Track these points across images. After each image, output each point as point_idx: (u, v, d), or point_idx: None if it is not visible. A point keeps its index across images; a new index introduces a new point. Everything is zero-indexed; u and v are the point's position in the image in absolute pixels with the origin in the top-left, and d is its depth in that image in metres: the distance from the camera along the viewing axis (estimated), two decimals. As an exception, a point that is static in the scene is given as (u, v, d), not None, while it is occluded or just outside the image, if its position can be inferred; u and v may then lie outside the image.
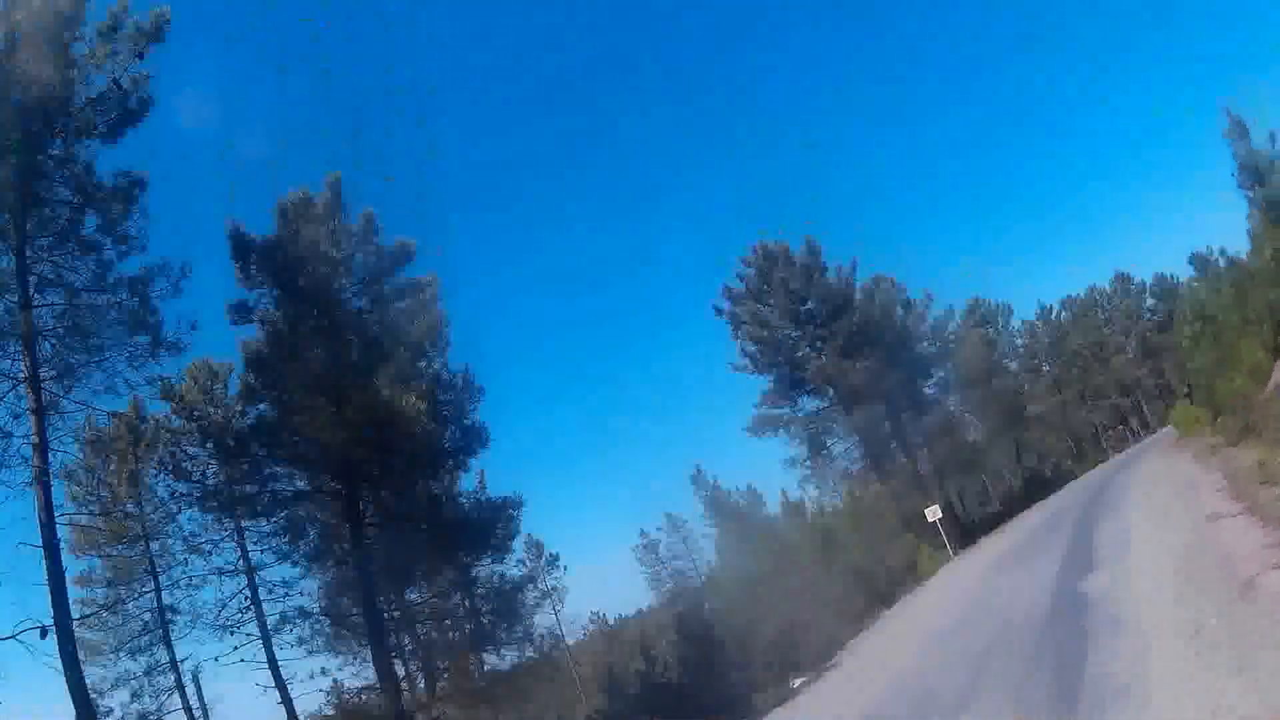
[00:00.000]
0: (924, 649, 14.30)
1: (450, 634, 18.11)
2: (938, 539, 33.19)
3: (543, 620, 44.43)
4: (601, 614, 56.15)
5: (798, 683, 17.59)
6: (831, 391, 41.32)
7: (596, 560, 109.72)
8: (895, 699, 11.42)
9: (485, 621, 18.19)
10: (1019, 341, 68.85)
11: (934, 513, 33.72)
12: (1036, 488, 48.29)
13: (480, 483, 19.40)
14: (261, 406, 18.30)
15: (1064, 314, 72.47)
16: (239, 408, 19.28)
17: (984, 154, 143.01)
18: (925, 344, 45.05)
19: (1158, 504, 17.17)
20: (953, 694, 9.89)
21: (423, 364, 19.12)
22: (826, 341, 40.50)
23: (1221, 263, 30.89)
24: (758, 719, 15.08)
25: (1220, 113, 21.05)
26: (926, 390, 45.72)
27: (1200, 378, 28.03)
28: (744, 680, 17.94)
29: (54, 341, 15.53)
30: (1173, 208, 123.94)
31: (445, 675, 17.39)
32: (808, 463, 41.99)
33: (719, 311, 41.62)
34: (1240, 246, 27.95)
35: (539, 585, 35.38)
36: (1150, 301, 74.55)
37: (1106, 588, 11.51)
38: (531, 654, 18.37)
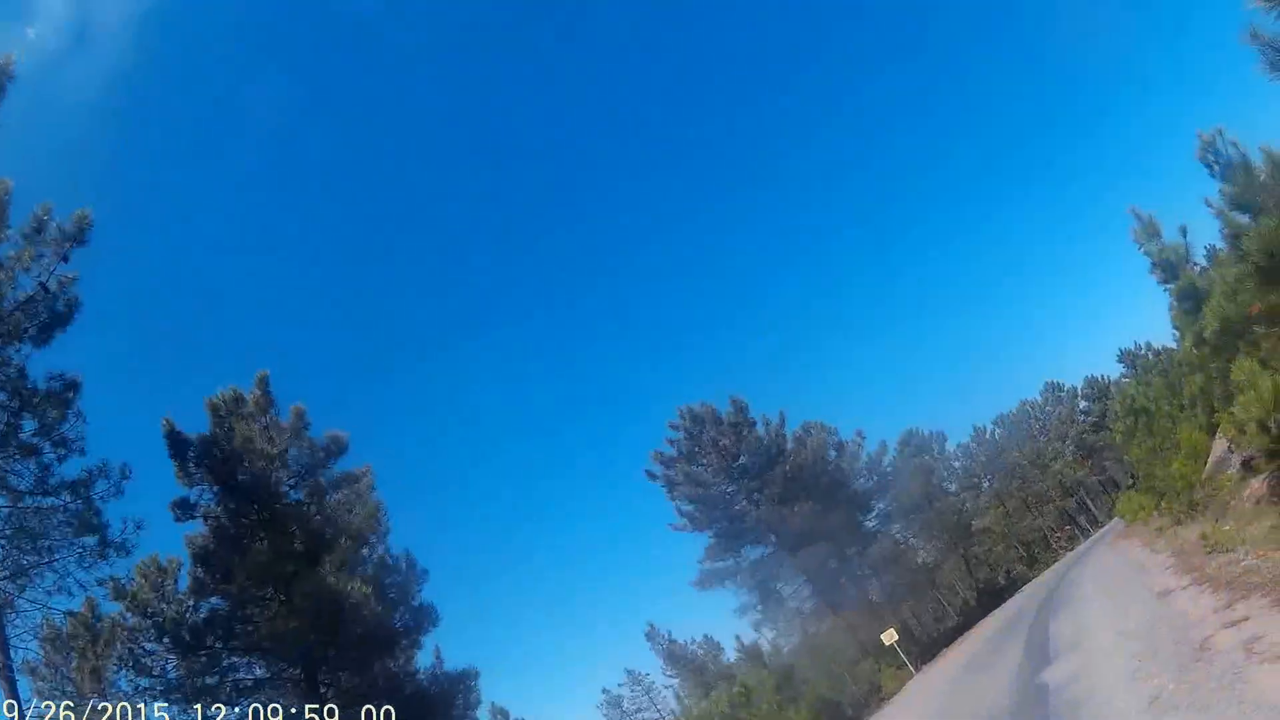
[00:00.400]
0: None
1: None
2: (898, 659, 33.10)
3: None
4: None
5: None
6: (774, 538, 42.10)
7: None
8: None
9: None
10: (956, 464, 70.20)
11: (890, 636, 33.88)
12: (991, 597, 48.80)
13: (437, 657, 19.51)
14: (213, 599, 18.59)
15: (998, 431, 74.20)
16: (191, 602, 19.30)
17: (908, 290, 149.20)
18: (862, 480, 46.96)
19: (1109, 591, 17.54)
20: None
21: (365, 550, 19.55)
22: (762, 492, 41.64)
23: (1149, 356, 32.60)
24: None
25: (1130, 216, 22.47)
26: (868, 523, 47.00)
27: (1140, 467, 28.91)
28: None
29: (4, 543, 15.79)
30: (1095, 314, 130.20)
31: None
32: (759, 608, 42.43)
33: (652, 476, 42.54)
34: (1165, 339, 29.35)
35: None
36: (1083, 404, 77.11)
37: (1066, 675, 11.71)
38: None
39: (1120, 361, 69.96)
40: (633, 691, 59.02)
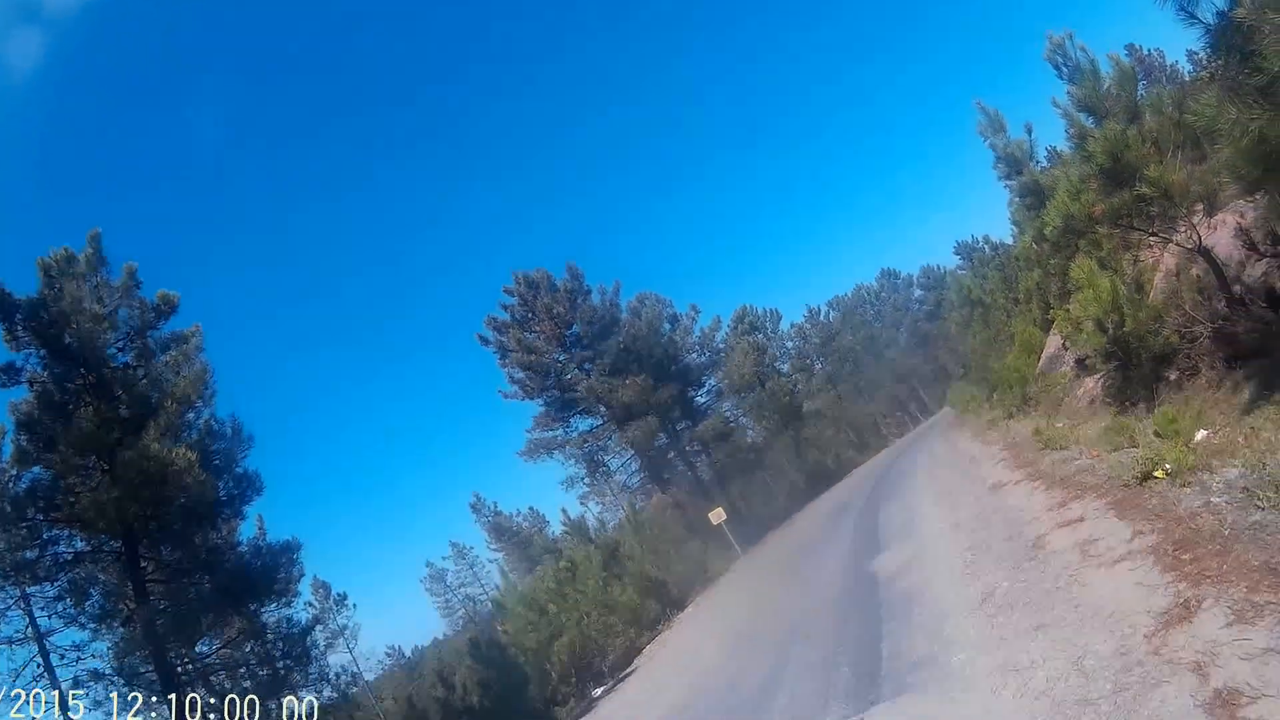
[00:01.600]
0: (722, 645, 14.86)
1: (245, 682, 17.46)
2: (724, 539, 34.09)
3: (338, 660, 44.35)
4: (397, 647, 55.79)
5: (598, 692, 17.84)
6: (603, 409, 43.00)
7: (388, 596, 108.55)
8: (698, 694, 11.54)
9: (279, 667, 17.72)
10: (789, 344, 71.76)
11: (718, 515, 34.83)
12: (819, 480, 50.73)
13: (260, 529, 19.13)
14: (36, 469, 17.82)
15: (832, 313, 76.42)
16: (14, 471, 18.25)
17: (753, 168, 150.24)
18: (694, 355, 47.97)
19: (941, 482, 18.46)
20: (756, 682, 10.20)
21: (191, 415, 18.83)
22: (594, 362, 42.59)
23: (986, 250, 33.77)
24: None
25: (976, 110, 22.85)
26: (699, 399, 48.32)
27: (975, 358, 30.21)
28: (544, 696, 18.04)
29: None
30: (935, 204, 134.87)
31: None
32: (586, 481, 43.64)
33: (484, 341, 43.00)
34: (1003, 235, 30.43)
35: (329, 625, 34.96)
36: (919, 293, 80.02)
37: (896, 567, 12.27)
38: (330, 694, 17.93)
39: (957, 254, 73.05)
40: (457, 565, 59.90)
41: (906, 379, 75.93)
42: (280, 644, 18.05)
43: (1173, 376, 13.57)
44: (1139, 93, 13.78)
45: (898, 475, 25.90)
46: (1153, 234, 13.80)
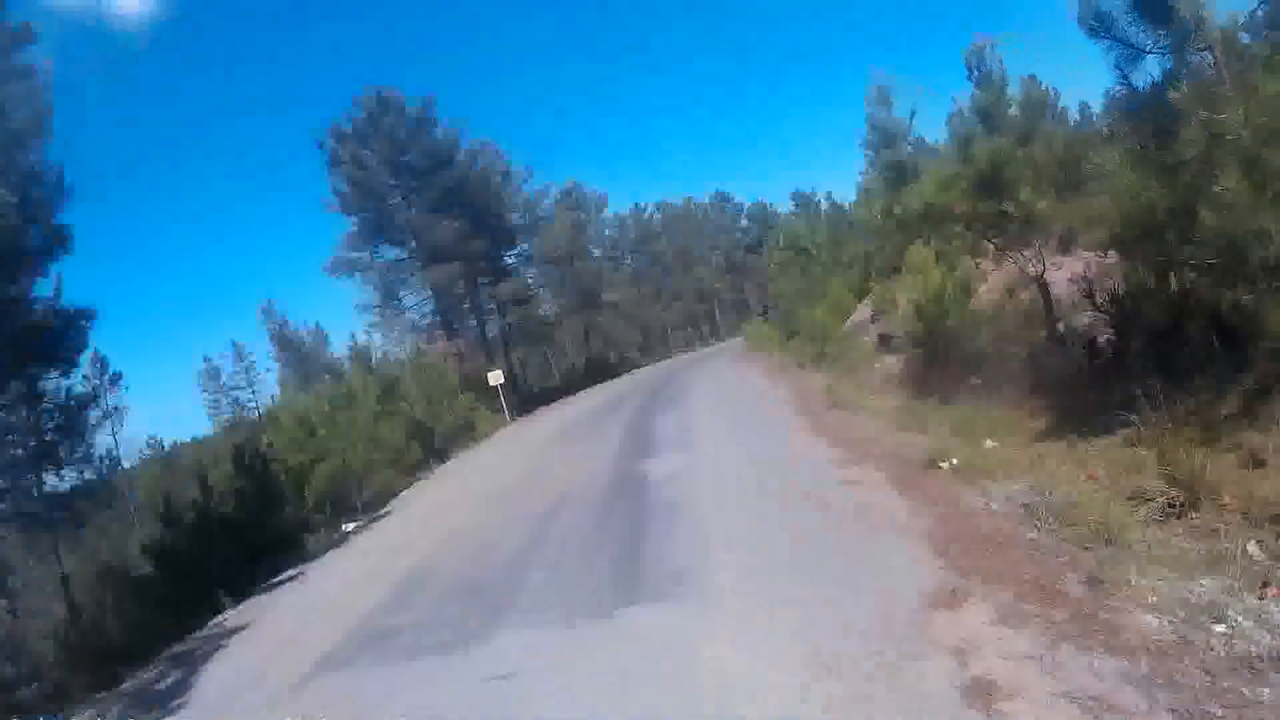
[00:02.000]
0: (478, 507, 15.18)
1: (13, 451, 16.38)
2: (497, 404, 34.54)
3: (103, 441, 42.77)
4: (159, 439, 54.13)
5: (350, 527, 17.91)
6: (414, 244, 42.70)
7: (157, 383, 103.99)
8: (450, 551, 11.87)
9: (49, 438, 16.70)
10: (607, 231, 71.99)
11: (496, 377, 35.24)
12: (600, 370, 51.86)
13: (56, 289, 17.56)
14: None
15: (657, 215, 76.88)
16: None
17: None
18: (516, 215, 47.50)
19: (724, 405, 19.47)
20: (509, 553, 10.67)
21: (20, 156, 17.04)
22: (420, 194, 42.13)
23: (824, 205, 34.87)
24: (310, 561, 14.95)
25: (870, 74, 23.65)
26: (508, 259, 47.88)
27: (784, 301, 31.35)
28: (298, 521, 17.99)
29: None
30: (783, 149, 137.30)
31: (5, 496, 15.78)
32: (379, 309, 43.06)
33: (320, 145, 42.23)
34: (846, 196, 31.57)
35: (102, 404, 33.29)
36: (745, 223, 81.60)
37: (667, 473, 12.84)
38: (91, 476, 17.18)
39: (792, 200, 74.98)
40: (235, 366, 58.28)
41: (708, 300, 77.95)
42: (54, 415, 17.08)
43: (975, 383, 14.66)
44: (1037, 122, 14.57)
45: (680, 388, 26.85)
46: (1002, 249, 14.83)
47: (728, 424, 16.57)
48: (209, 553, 16.00)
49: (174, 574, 15.35)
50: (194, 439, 56.84)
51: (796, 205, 76.37)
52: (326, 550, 15.53)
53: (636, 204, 77.20)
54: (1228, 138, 7.28)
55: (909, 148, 23.70)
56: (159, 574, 16.00)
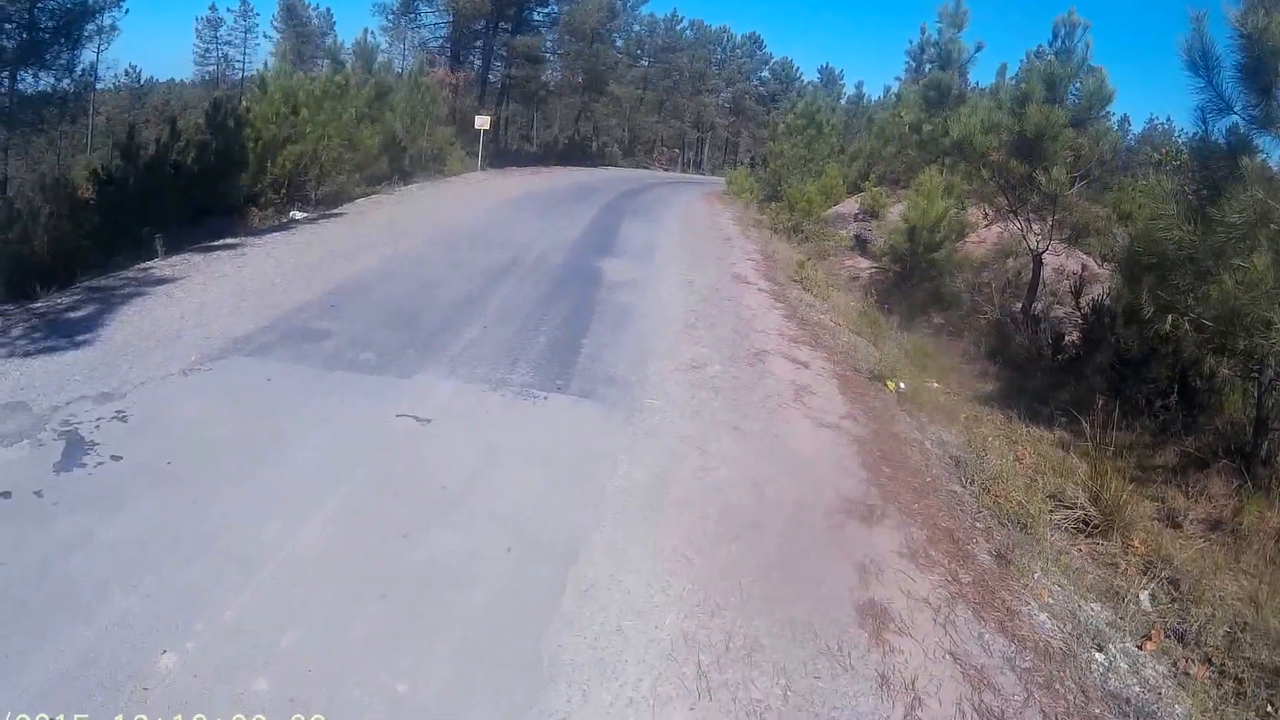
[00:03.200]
0: (430, 241, 15.08)
1: (3, 42, 15.09)
2: (474, 149, 33.61)
3: (86, 56, 41.00)
4: (137, 69, 52.02)
5: (299, 215, 17.38)
6: None
7: (154, 10, 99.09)
8: (393, 273, 11.70)
9: (43, 34, 15.44)
10: (636, 28, 69.05)
11: (483, 122, 34.14)
12: (579, 154, 50.87)
13: None
14: None
15: (688, 32, 74.10)
16: None
17: None
18: None
19: (691, 234, 19.36)
20: (454, 294, 10.82)
21: None
22: None
23: (848, 89, 33.65)
24: (251, 237, 14.44)
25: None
26: (534, 15, 45.43)
27: (776, 163, 30.76)
28: (250, 195, 17.36)
29: None
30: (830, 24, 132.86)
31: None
32: (394, 16, 40.68)
33: None
34: (872, 91, 30.87)
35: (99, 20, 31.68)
36: (765, 74, 79.52)
37: (622, 275, 13.00)
38: (68, 85, 16.07)
39: (819, 73, 73.62)
40: (237, 24, 55.67)
41: (703, 130, 76.24)
42: (54, 14, 15.78)
43: (938, 321, 14.66)
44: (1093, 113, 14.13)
45: (652, 203, 26.61)
46: (1012, 212, 14.57)
47: (691, 256, 16.42)
48: (158, 196, 15.45)
49: (117, 206, 14.75)
50: (171, 80, 55.10)
51: (821, 79, 74.88)
52: (271, 232, 15.00)
53: (674, 12, 74.04)
54: (1273, 225, 7.34)
55: (961, 79, 22.90)
56: (100, 200, 15.38)
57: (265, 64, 23.96)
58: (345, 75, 21.31)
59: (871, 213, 26.21)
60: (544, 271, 12.77)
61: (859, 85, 64.37)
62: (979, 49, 22.34)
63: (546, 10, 45.26)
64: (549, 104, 55.10)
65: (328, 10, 48.80)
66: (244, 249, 12.86)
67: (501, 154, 41.04)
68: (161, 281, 10.56)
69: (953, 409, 9.56)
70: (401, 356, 8.10)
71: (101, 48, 43.30)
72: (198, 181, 16.71)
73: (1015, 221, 15.10)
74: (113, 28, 32.33)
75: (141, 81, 54.47)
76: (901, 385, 9.65)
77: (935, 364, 11.71)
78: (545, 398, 7.41)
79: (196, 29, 57.77)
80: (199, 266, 11.47)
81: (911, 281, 16.30)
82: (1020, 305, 14.63)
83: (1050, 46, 15.31)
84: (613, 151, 60.57)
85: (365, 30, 36.21)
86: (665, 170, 61.37)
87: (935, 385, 10.57)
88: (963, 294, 15.41)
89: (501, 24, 42.36)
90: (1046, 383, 11.92)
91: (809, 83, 68.80)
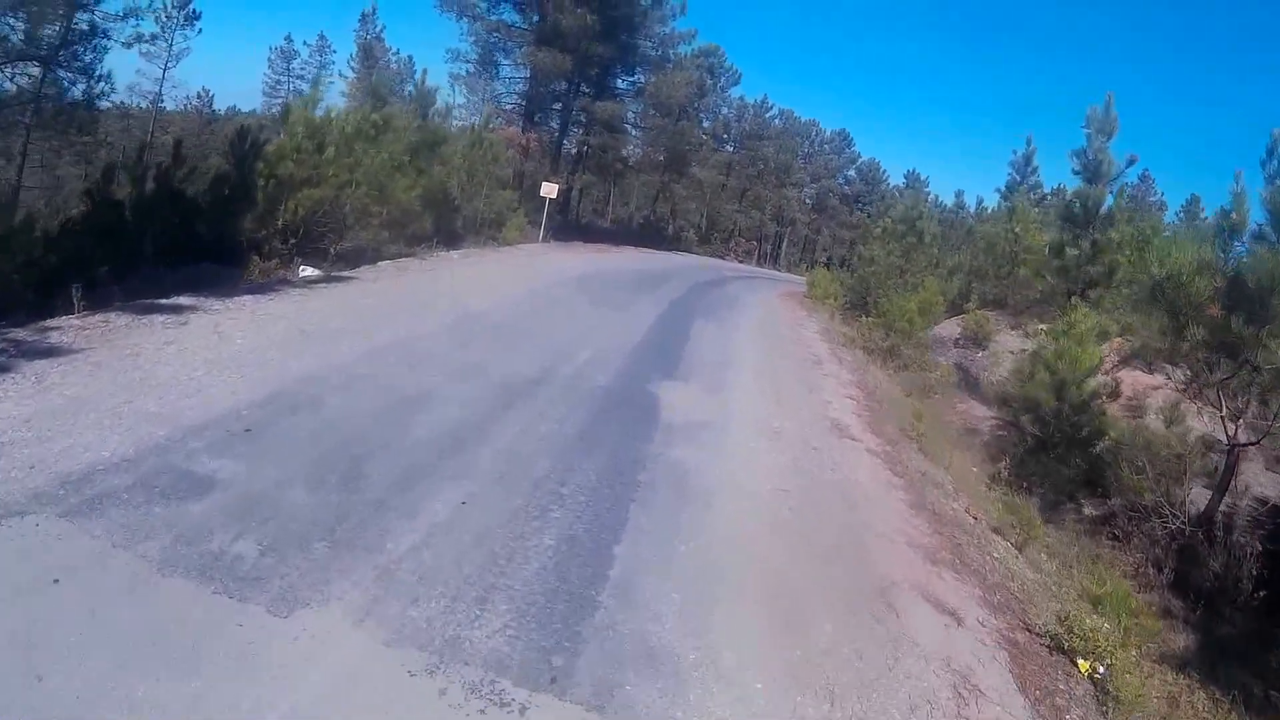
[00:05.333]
0: (450, 327, 11.95)
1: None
2: (538, 218, 30.78)
3: (149, 69, 40.14)
4: (209, 92, 51.28)
5: (308, 273, 14.41)
6: (536, 17, 37.45)
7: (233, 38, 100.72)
8: (379, 372, 8.53)
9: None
10: (724, 110, 66.20)
11: (550, 190, 31.51)
12: (654, 236, 48.26)
13: None
14: None
15: (777, 120, 71.28)
16: None
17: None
18: (648, 44, 41.23)
19: (773, 355, 15.84)
20: (455, 416, 7.82)
21: None
22: None
23: (932, 195, 30.31)
24: (226, 297, 11.33)
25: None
26: (619, 82, 42.94)
27: (865, 268, 27.49)
28: (255, 241, 14.55)
29: None
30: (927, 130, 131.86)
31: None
32: (470, 67, 38.87)
33: None
34: (986, 198, 27.75)
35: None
36: (852, 173, 76.90)
37: (686, 419, 9.58)
38: (80, 89, 14.14)
39: (905, 179, 70.68)
40: (314, 59, 54.50)
41: (783, 225, 73.10)
42: None
43: (1088, 510, 11.26)
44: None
45: (727, 301, 23.47)
46: (1203, 382, 11.01)
47: (774, 383, 12.98)
48: (140, 228, 12.71)
49: (91, 234, 12.01)
50: (232, 108, 53.83)
51: (906, 184, 71.93)
52: (251, 292, 11.85)
53: (764, 98, 71.15)
54: None
55: (1108, 193, 19.27)
56: (82, 225, 12.61)
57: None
58: (386, 115, 18.31)
59: (975, 339, 22.78)
60: (581, 395, 9.35)
61: (958, 194, 60.52)
62: (1131, 163, 18.69)
63: (632, 79, 42.46)
64: (626, 179, 52.24)
65: (409, 57, 46.62)
66: (192, 315, 9.72)
67: (569, 227, 38.08)
68: (38, 354, 7.42)
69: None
70: (302, 554, 4.76)
71: (169, 66, 42.14)
72: (200, 216, 13.97)
73: (1204, 397, 11.56)
74: (187, 49, 30.81)
75: (214, 107, 53.26)
76: (1101, 669, 6.11)
77: (1115, 603, 8.08)
78: (523, 711, 3.97)
79: (270, 59, 56.26)
80: (109, 337, 8.31)
81: (1054, 451, 12.71)
82: (1204, 508, 11.02)
83: (1265, 166, 11.78)
84: (688, 237, 57.66)
85: (424, 71, 33.60)
86: (740, 262, 58.23)
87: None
88: (1127, 476, 11.77)
89: (583, 87, 39.67)
90: (1244, 630, 8.51)
91: (897, 185, 66.22)
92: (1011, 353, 22.14)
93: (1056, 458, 12.50)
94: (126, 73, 44.28)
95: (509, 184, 31.86)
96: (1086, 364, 13.07)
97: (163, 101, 45.63)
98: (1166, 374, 13.40)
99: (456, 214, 25.43)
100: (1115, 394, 14.04)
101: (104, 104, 22.61)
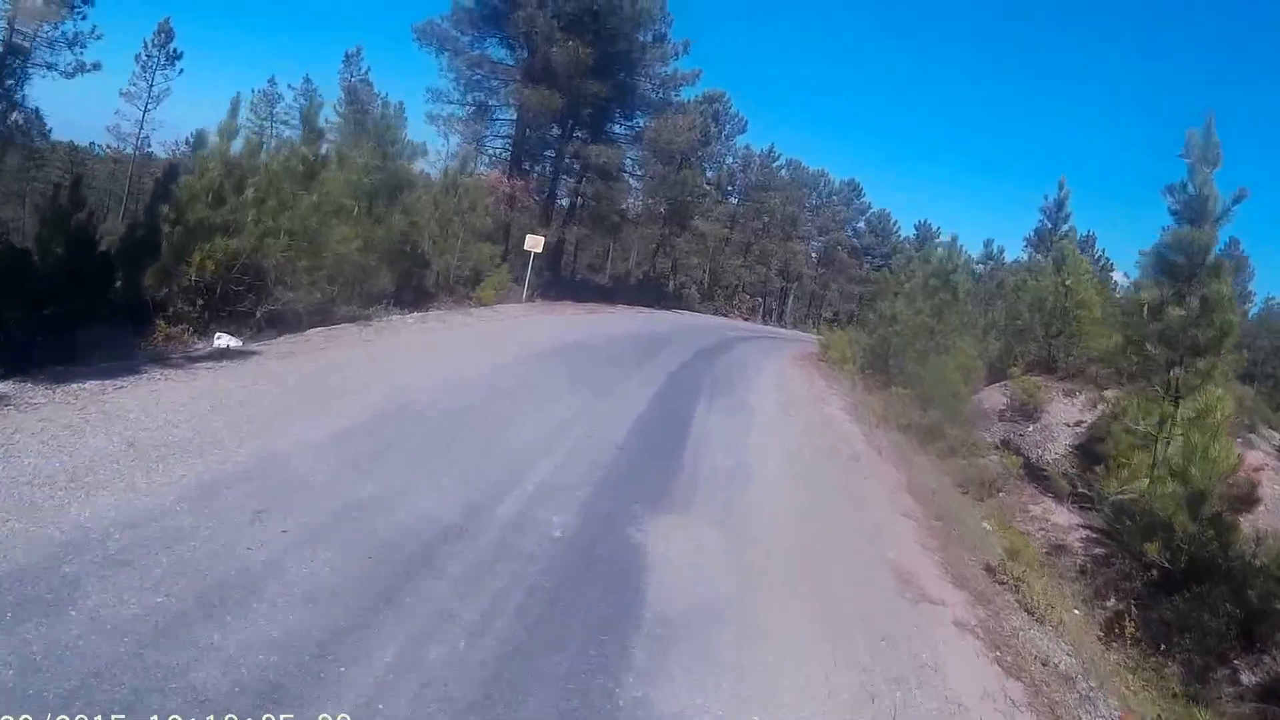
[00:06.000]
0: (360, 430, 8.51)
1: None
2: (521, 274, 27.63)
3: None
4: (205, 133, 48.80)
5: (224, 343, 11.36)
6: (525, 53, 34.14)
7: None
8: (210, 493, 5.31)
9: None
10: (729, 159, 62.93)
11: (535, 243, 28.18)
12: (654, 293, 45.04)
13: None
14: None
15: (784, 171, 68.14)
16: None
17: None
18: (645, 84, 38.05)
19: (800, 452, 12.45)
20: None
21: None
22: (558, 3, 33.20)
23: (954, 246, 26.81)
24: (92, 380, 8.09)
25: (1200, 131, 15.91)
26: (614, 125, 39.56)
27: (886, 330, 24.25)
28: (151, 298, 11.58)
29: None
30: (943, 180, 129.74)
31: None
32: (459, 106, 35.21)
33: None
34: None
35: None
36: (861, 224, 74.04)
37: (677, 558, 6.91)
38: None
39: (916, 229, 67.81)
40: (297, 103, 51.75)
41: (789, 280, 69.79)
42: None
43: (1247, 677, 7.96)
44: None
45: (734, 370, 20.40)
46: None
47: (808, 505, 9.62)
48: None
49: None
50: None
51: (918, 236, 68.84)
52: (118, 375, 8.60)
53: (771, 147, 67.69)
54: None
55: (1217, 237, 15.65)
56: None
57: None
58: (317, 150, 15.04)
59: (1024, 410, 19.52)
60: (520, 563, 5.85)
61: (987, 243, 56.34)
62: (1239, 199, 15.01)
63: (631, 123, 39.26)
64: (624, 232, 48.40)
65: (400, 103, 43.87)
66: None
67: (560, 283, 34.64)
68: None
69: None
70: None
71: (149, 107, 39.96)
72: (107, 270, 10.98)
73: None
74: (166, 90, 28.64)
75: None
76: None
77: None
78: None
79: (251, 103, 53.53)
80: None
81: (1191, 590, 9.35)
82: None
83: None
84: (690, 294, 54.32)
85: (385, 100, 29.85)
86: (745, 319, 54.92)
87: None
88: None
89: (577, 131, 36.43)
90: None
91: (908, 237, 63.00)
92: (1067, 425, 18.93)
93: (1196, 599, 9.14)
94: (104, 114, 43.33)
95: (492, 236, 28.78)
96: (1225, 465, 9.84)
97: (150, 147, 43.37)
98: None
99: (426, 270, 22.32)
100: (1252, 499, 10.74)
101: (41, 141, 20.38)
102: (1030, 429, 18.60)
